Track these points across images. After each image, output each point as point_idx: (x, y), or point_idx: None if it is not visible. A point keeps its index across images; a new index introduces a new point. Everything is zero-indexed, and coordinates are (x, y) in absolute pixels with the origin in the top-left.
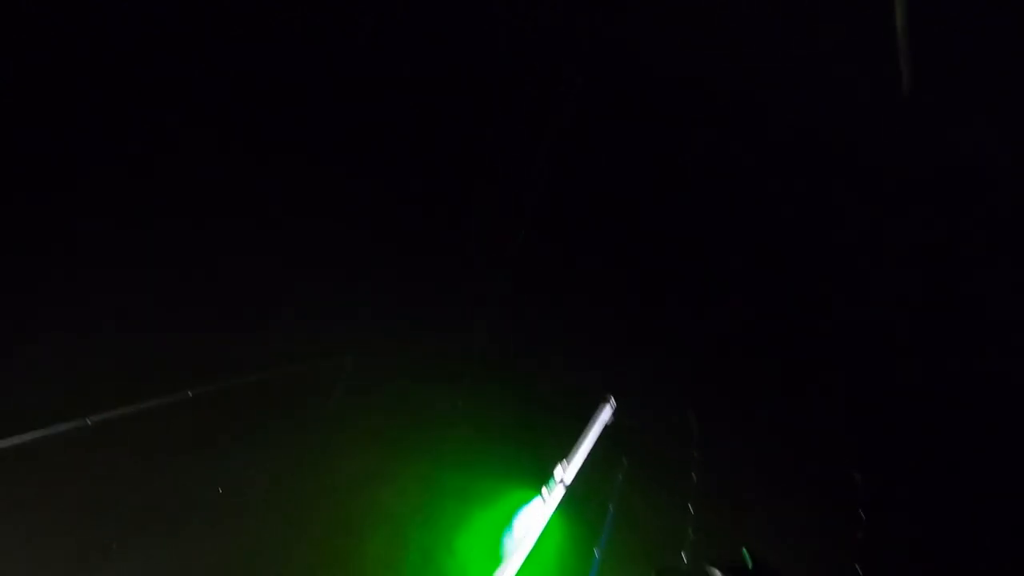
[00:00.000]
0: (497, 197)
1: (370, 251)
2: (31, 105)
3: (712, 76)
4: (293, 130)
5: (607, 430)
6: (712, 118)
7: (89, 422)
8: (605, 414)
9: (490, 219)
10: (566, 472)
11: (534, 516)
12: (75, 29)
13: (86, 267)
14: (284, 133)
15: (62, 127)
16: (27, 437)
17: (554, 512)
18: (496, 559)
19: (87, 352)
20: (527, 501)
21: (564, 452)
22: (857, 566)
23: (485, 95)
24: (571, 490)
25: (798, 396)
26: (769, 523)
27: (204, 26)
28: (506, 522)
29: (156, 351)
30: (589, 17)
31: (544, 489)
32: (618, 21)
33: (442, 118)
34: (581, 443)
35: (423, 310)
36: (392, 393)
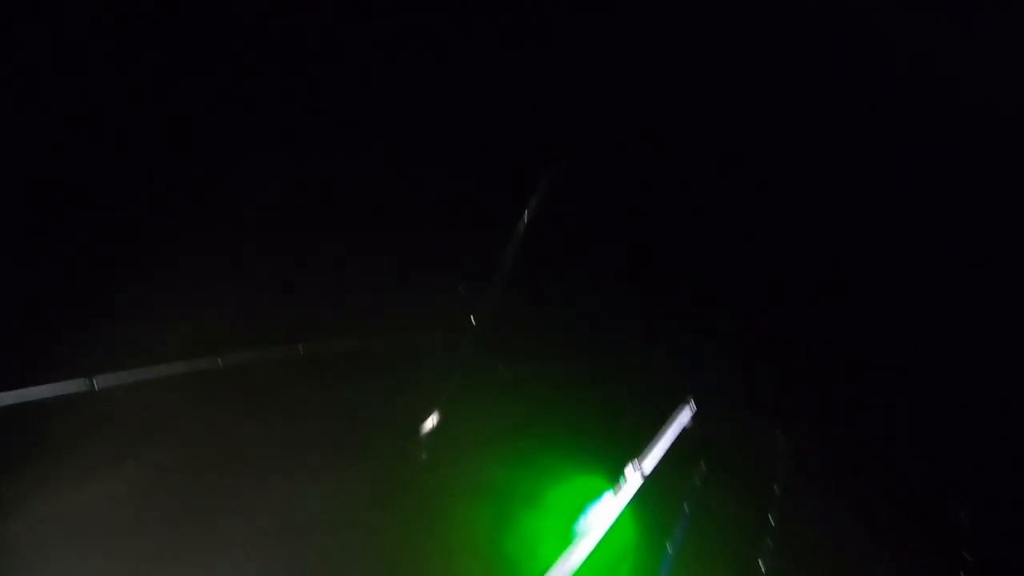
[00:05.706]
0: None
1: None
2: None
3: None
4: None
5: (686, 433)
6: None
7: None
8: (684, 416)
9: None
10: (641, 468)
11: (606, 507)
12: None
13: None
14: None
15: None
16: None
17: (628, 506)
18: (566, 540)
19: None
20: (600, 492)
21: (641, 448)
22: None
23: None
24: (646, 487)
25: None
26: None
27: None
28: (579, 507)
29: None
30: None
31: (618, 483)
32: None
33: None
34: (657, 442)
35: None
36: (478, 371)
